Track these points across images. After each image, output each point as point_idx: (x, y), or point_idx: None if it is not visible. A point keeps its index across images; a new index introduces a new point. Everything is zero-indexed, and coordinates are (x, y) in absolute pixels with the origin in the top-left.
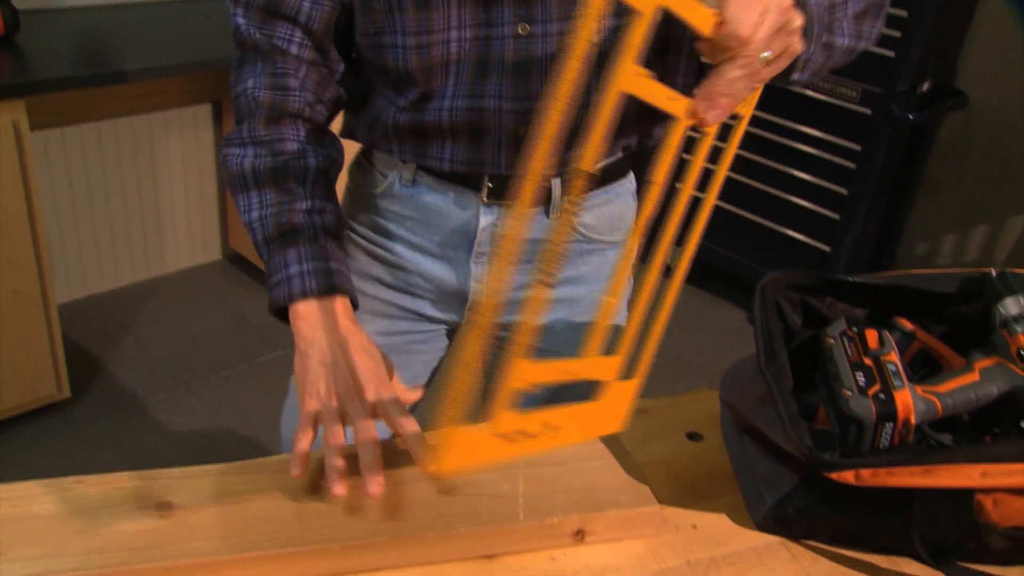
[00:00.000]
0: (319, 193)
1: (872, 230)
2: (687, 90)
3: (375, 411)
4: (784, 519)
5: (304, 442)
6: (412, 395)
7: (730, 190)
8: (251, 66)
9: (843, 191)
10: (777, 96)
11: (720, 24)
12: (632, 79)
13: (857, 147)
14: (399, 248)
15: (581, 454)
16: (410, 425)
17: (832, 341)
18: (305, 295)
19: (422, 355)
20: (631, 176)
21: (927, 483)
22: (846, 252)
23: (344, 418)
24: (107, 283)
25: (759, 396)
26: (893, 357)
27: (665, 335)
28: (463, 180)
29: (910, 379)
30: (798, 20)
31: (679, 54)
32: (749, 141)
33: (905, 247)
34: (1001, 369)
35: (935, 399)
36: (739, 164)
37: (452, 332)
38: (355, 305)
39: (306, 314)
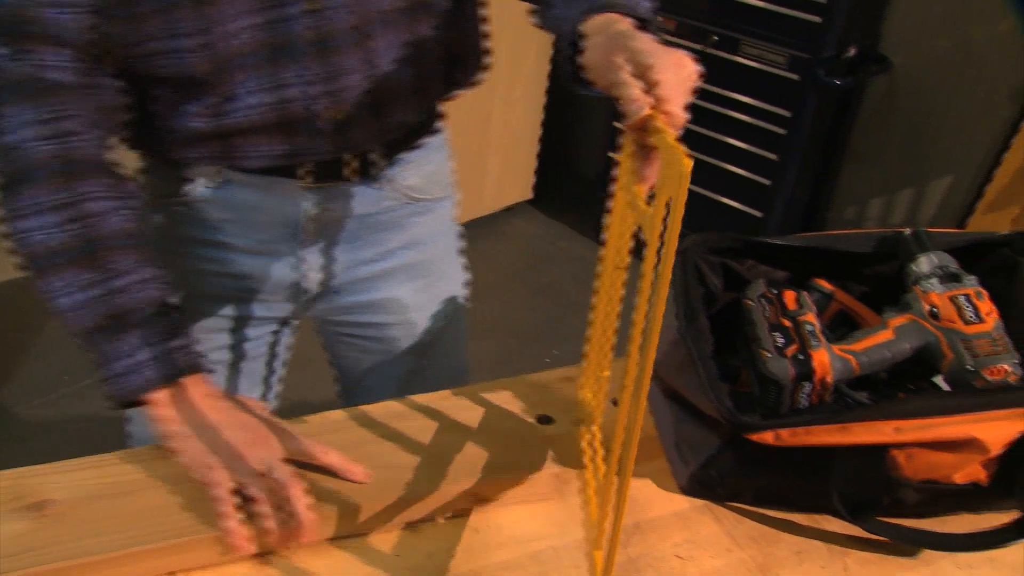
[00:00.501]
0: (138, 259)
1: (802, 195)
2: None
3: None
4: (707, 482)
5: (234, 517)
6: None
7: None
8: (13, 109)
9: (773, 157)
10: (707, 63)
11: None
12: None
13: (786, 113)
14: (219, 255)
15: (476, 419)
16: (326, 456)
17: (751, 303)
18: (152, 386)
19: (264, 356)
20: (442, 129)
21: (844, 441)
22: (777, 217)
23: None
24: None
25: (680, 360)
26: (810, 317)
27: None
28: (278, 170)
29: (828, 339)
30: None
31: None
32: None
33: (835, 211)
34: (914, 326)
35: (851, 358)
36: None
37: (284, 324)
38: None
39: (169, 399)
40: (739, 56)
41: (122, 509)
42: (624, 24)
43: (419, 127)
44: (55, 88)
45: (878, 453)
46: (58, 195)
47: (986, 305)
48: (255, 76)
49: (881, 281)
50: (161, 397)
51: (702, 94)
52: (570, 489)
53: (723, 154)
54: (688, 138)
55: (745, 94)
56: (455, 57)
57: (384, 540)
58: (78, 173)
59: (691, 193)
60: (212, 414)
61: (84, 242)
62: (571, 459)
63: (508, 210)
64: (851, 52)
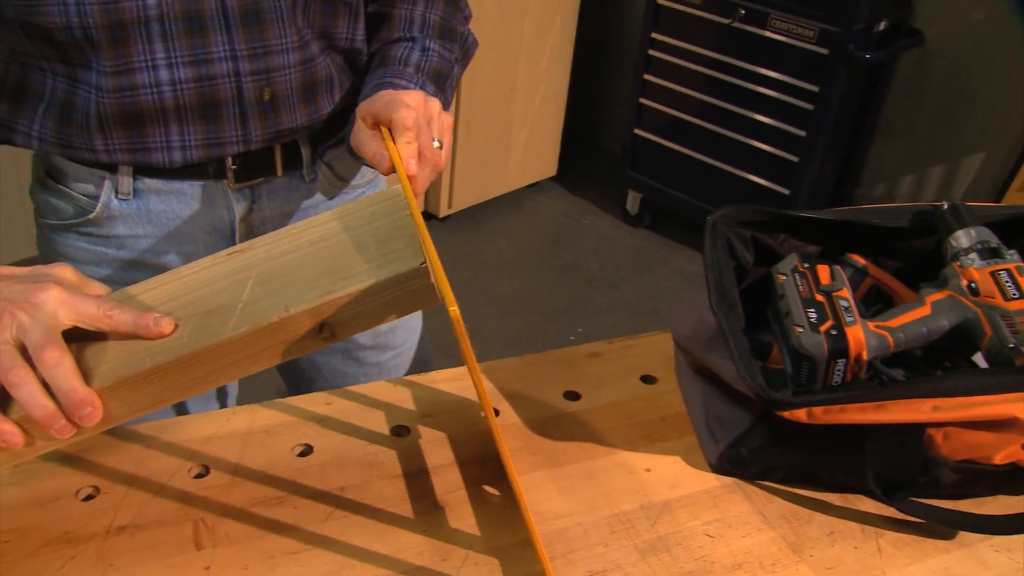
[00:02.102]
0: None
1: (830, 171)
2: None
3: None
4: (738, 460)
5: None
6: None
7: (688, 134)
8: None
9: (801, 133)
10: (733, 37)
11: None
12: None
13: (814, 88)
14: (142, 276)
15: (346, 225)
16: (112, 318)
17: (783, 278)
18: None
19: None
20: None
21: (879, 419)
22: (805, 194)
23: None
24: None
25: (711, 336)
26: (845, 293)
27: (624, 282)
28: (199, 171)
29: (862, 315)
30: (448, 119)
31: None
32: (707, 83)
33: (864, 188)
34: (952, 302)
35: (887, 334)
36: (697, 107)
37: None
38: None
39: None
40: (767, 30)
41: None
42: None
43: (348, 109)
44: None
45: (915, 432)
46: None
47: None
48: (169, 46)
49: (916, 256)
50: None
51: (728, 69)
52: (599, 466)
53: (749, 130)
54: (713, 113)
55: (772, 69)
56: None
57: (406, 516)
58: None
59: (716, 169)
60: None
61: None
62: (597, 436)
63: (532, 187)
64: (883, 25)
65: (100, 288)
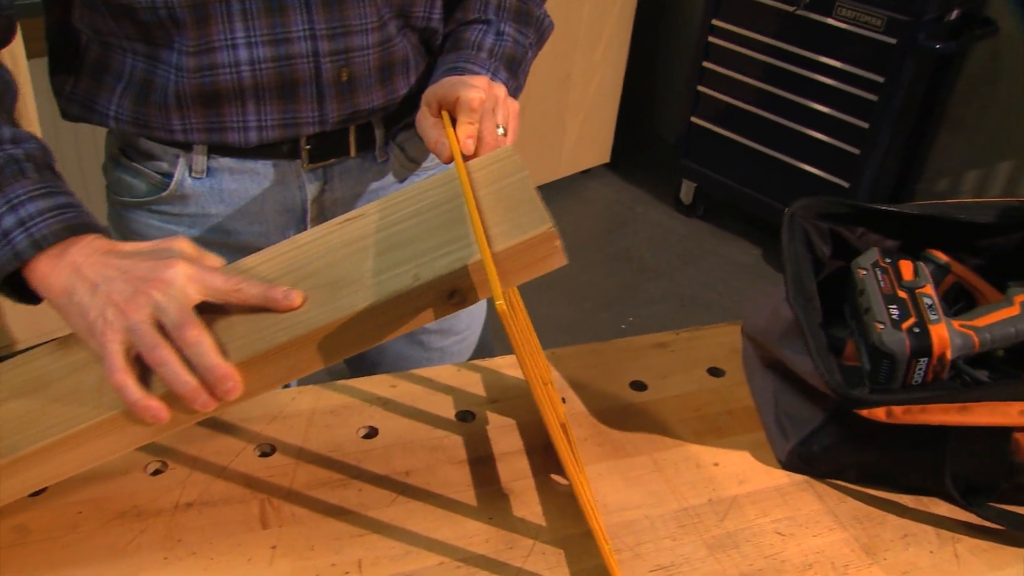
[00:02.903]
0: (3, 120)
1: (892, 165)
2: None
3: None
4: (809, 457)
5: (132, 386)
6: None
7: (745, 122)
8: None
9: (863, 124)
10: (796, 25)
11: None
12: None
13: (879, 78)
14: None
15: (452, 190)
16: (241, 291)
17: (864, 272)
18: (40, 247)
19: None
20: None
21: (962, 421)
22: (865, 187)
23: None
24: None
25: (786, 329)
26: (929, 290)
27: (676, 272)
28: (273, 151)
29: (945, 313)
30: (515, 105)
31: None
32: (767, 72)
33: (926, 183)
34: None
35: (972, 334)
36: (755, 96)
37: None
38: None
39: (52, 268)
40: (832, 18)
41: (34, 403)
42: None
43: (422, 91)
44: None
45: (1000, 436)
46: None
47: None
48: (249, 25)
49: (1000, 254)
50: (41, 268)
51: (790, 57)
52: (667, 458)
53: (809, 120)
54: (772, 103)
55: (836, 58)
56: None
57: (472, 503)
58: None
59: (773, 160)
60: (92, 271)
61: None
62: (664, 428)
63: (585, 173)
64: (954, 14)
65: (217, 260)
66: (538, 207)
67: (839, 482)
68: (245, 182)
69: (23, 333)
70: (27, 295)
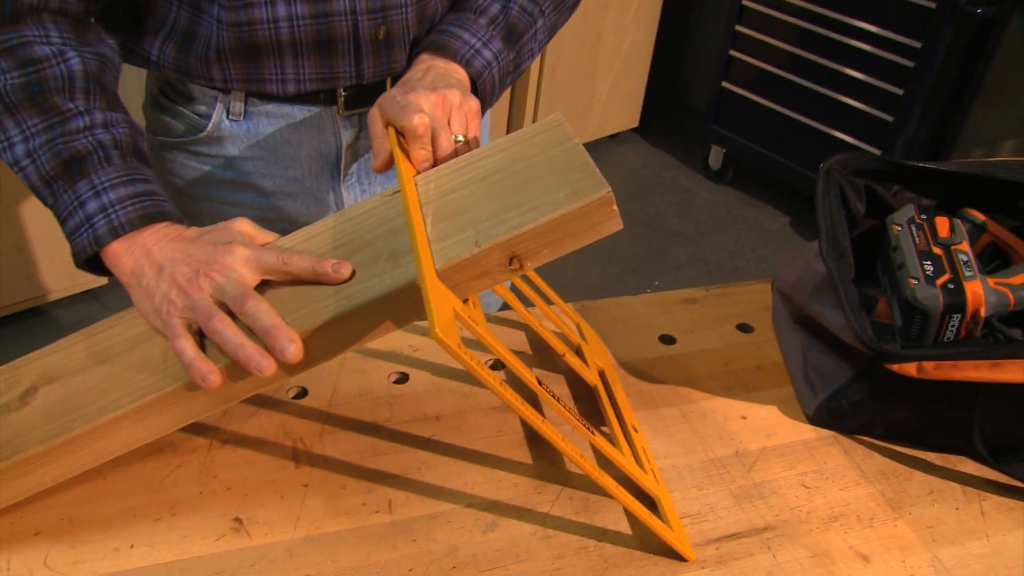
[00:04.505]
0: (97, 103)
1: (925, 134)
2: None
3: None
4: (837, 412)
5: (190, 348)
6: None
7: (777, 88)
8: None
9: (898, 91)
10: None
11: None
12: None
13: (917, 44)
14: (247, 198)
15: (520, 155)
16: (290, 264)
17: (899, 228)
18: (117, 233)
19: None
20: None
21: (994, 378)
22: (897, 155)
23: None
24: None
25: (817, 284)
26: (964, 246)
27: (703, 237)
28: (310, 98)
29: (980, 271)
30: (474, 105)
31: None
32: (801, 36)
33: (959, 152)
34: None
35: (1008, 291)
36: (788, 61)
37: None
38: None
39: (126, 250)
40: None
41: (98, 378)
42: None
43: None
44: None
45: None
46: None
47: None
48: None
49: None
50: (115, 250)
51: (825, 21)
52: (695, 411)
53: (842, 86)
54: (805, 68)
55: (872, 23)
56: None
57: (502, 448)
58: (23, 19)
59: (804, 126)
60: (161, 255)
61: (25, 87)
62: (692, 381)
63: (614, 137)
64: None
65: (270, 236)
66: (594, 172)
67: (866, 438)
68: (281, 127)
69: (57, 283)
70: (98, 268)
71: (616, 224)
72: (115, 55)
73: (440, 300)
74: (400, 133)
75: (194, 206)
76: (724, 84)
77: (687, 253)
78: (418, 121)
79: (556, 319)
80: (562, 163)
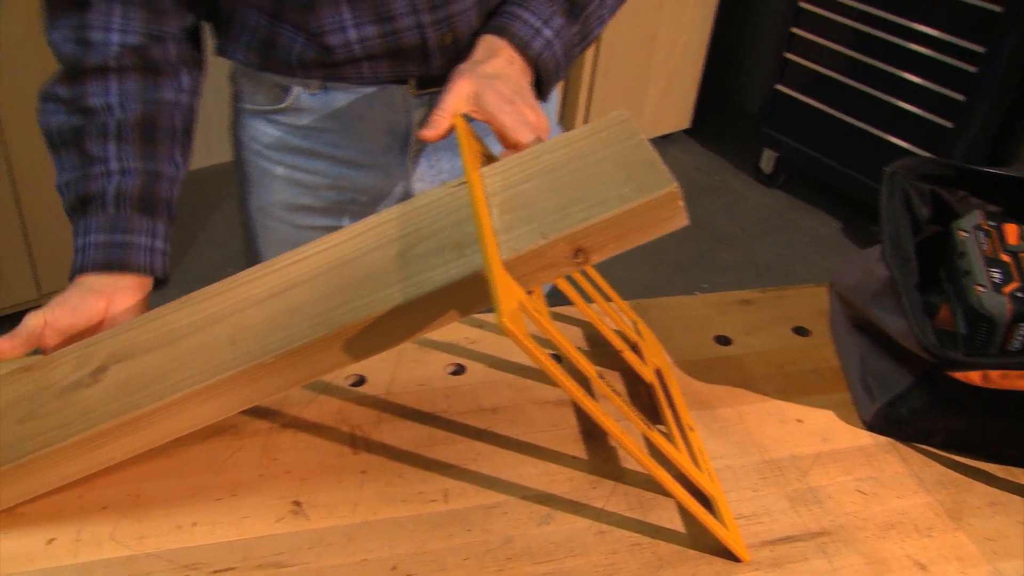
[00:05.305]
0: (126, 153)
1: (985, 141)
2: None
3: None
4: (895, 419)
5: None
6: None
7: (832, 91)
8: (59, 10)
9: (959, 97)
10: None
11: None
12: None
13: (980, 48)
14: (321, 166)
15: (585, 150)
16: None
17: (965, 234)
18: (83, 270)
19: None
20: None
21: None
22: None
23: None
24: (202, 159)
25: (878, 289)
26: None
27: (753, 240)
28: (385, 80)
29: None
30: (545, 123)
31: None
32: (858, 39)
33: (1020, 162)
34: None
35: None
36: (845, 64)
37: None
38: (161, 282)
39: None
40: None
41: (167, 358)
42: (499, 63)
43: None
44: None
45: None
46: (64, 91)
47: None
48: (353, 9)
49: None
50: (96, 282)
51: (884, 24)
52: (750, 412)
53: (900, 91)
54: (862, 71)
55: (933, 26)
56: None
57: (556, 443)
58: (88, 75)
59: (859, 130)
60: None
61: (72, 130)
62: (748, 382)
63: (665, 138)
64: None
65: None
66: (661, 168)
67: (924, 446)
68: (356, 102)
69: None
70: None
71: (682, 220)
72: (187, 96)
73: (507, 290)
74: (501, 136)
75: (271, 169)
76: (778, 87)
77: (736, 256)
78: (529, 141)
79: (615, 316)
80: (628, 159)
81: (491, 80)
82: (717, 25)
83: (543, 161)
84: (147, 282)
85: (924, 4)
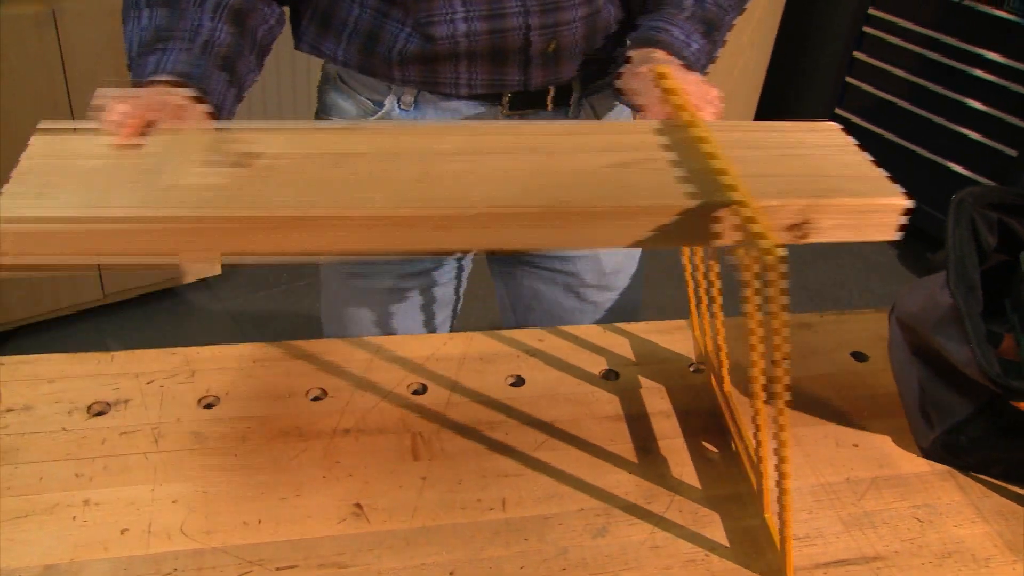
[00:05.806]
0: (222, 22)
1: None
2: None
3: None
4: (954, 448)
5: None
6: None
7: (893, 117)
8: None
9: None
10: (960, 16)
11: None
12: None
13: None
14: None
15: (801, 140)
16: None
17: None
18: (160, 71)
19: (452, 281)
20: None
21: None
22: None
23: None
24: None
25: (942, 316)
26: None
27: (807, 265)
28: (478, 97)
29: None
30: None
31: None
32: (922, 65)
33: None
34: None
35: None
36: (907, 90)
37: (463, 261)
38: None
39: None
40: (1001, 9)
41: (337, 175)
42: (661, 55)
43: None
44: None
45: None
46: None
47: None
48: (467, 1)
49: None
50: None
51: (949, 50)
52: (806, 434)
53: (963, 118)
54: (925, 97)
55: (1000, 52)
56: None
57: (615, 455)
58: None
59: (919, 157)
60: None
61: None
62: (805, 405)
63: None
64: None
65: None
66: (887, 181)
67: (982, 476)
68: (446, 119)
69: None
70: None
71: (890, 234)
72: (274, 19)
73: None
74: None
75: None
76: (838, 111)
77: (790, 280)
78: (709, 113)
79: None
80: (850, 162)
81: (664, 62)
82: (777, 47)
83: (756, 137)
84: (210, 123)
85: (989, 30)
